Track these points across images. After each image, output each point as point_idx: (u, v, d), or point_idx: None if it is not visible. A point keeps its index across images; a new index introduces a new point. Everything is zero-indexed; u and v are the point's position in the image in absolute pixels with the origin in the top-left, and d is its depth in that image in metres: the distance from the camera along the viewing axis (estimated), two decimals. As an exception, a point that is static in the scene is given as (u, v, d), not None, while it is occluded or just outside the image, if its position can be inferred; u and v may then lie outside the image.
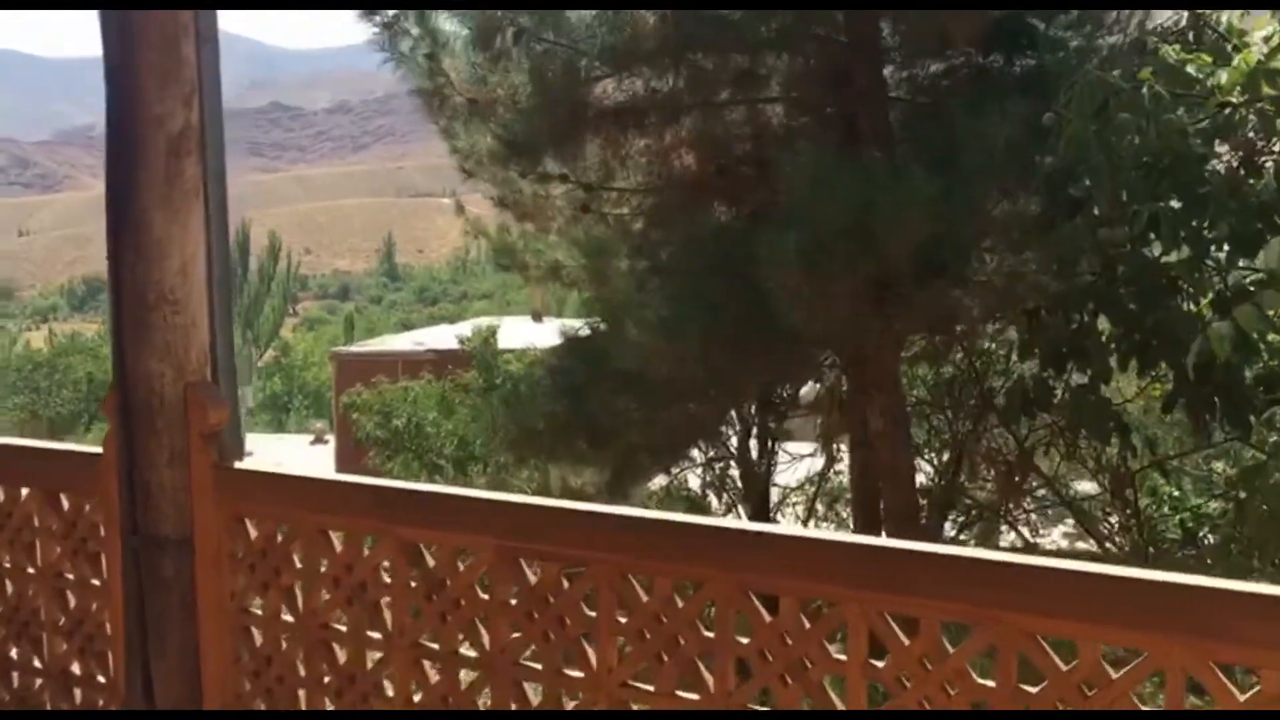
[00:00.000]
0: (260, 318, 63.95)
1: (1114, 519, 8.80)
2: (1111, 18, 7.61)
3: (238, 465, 2.79)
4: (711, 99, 7.32)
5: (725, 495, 13.24)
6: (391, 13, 6.90)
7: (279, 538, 2.74)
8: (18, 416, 48.98)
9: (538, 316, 19.29)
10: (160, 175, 2.68)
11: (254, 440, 24.94)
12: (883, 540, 2.57)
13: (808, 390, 11.02)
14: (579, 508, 2.48)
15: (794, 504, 13.17)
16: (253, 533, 2.77)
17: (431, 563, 2.55)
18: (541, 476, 9.42)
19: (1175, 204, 5.03)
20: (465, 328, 16.58)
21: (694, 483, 12.85)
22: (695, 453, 10.83)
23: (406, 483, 2.72)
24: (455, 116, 7.37)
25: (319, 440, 21.32)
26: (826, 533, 7.47)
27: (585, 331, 7.03)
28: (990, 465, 8.57)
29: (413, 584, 2.55)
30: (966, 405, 11.13)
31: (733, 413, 11.49)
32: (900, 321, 5.93)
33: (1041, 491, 10.50)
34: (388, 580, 2.58)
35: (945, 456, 11.86)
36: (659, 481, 12.19)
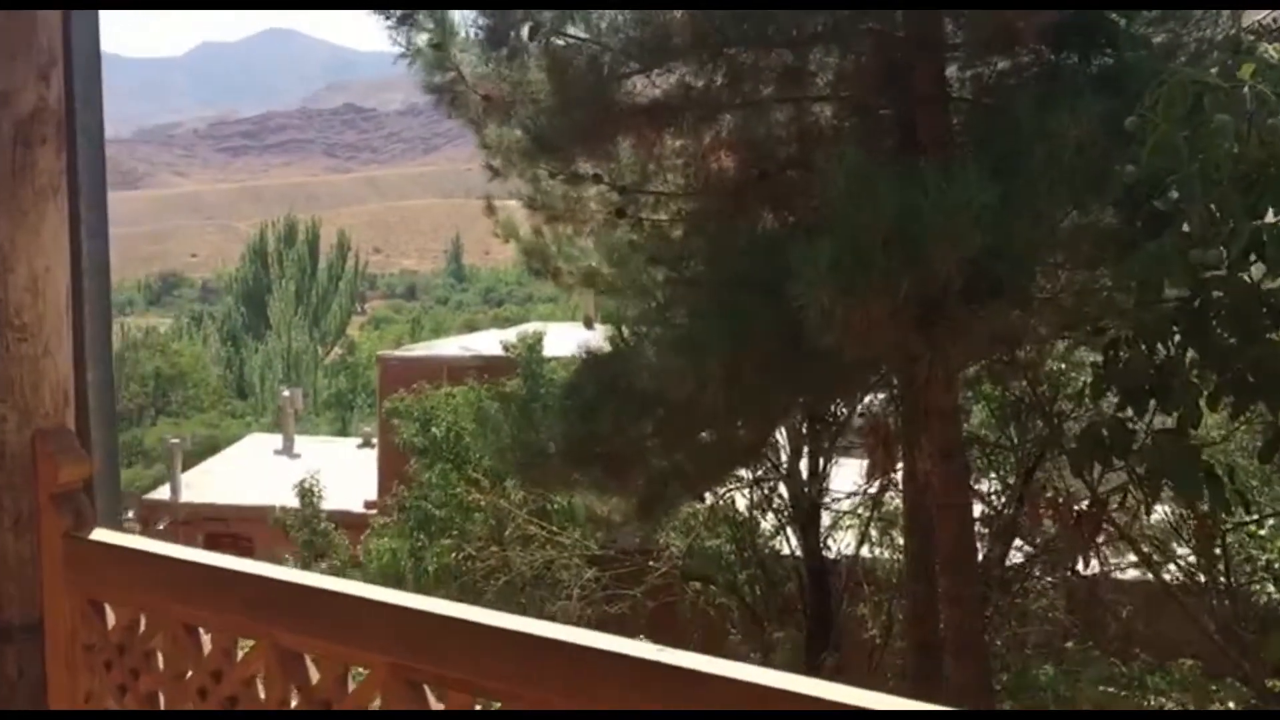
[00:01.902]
0: (327, 316, 64.54)
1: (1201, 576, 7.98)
2: (1199, 13, 6.88)
3: (97, 535, 2.25)
4: (752, 97, 6.70)
5: (773, 515, 12.63)
6: (407, 9, 6.41)
7: (142, 628, 2.19)
8: (86, 410, 49.88)
9: (589, 323, 18.70)
10: (5, 168, 2.15)
11: (303, 442, 24.76)
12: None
13: (865, 406, 10.36)
14: (508, 625, 1.83)
15: (848, 527, 12.51)
16: (110, 620, 2.23)
17: (315, 677, 1.99)
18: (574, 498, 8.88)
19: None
20: (514, 333, 16.09)
21: (741, 503, 12.27)
22: (741, 469, 10.20)
23: (294, 572, 2.11)
24: (470, 113, 6.84)
25: (367, 444, 20.99)
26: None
27: (605, 346, 6.45)
28: (1054, 511, 7.82)
29: (293, 703, 1.99)
30: (1031, 432, 10.40)
31: (781, 430, 10.88)
32: (951, 345, 5.26)
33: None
34: (262, 695, 2.02)
35: (1010, 480, 11.15)
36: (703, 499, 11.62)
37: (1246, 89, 4.25)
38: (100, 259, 2.41)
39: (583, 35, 6.17)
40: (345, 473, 19.59)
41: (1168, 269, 4.52)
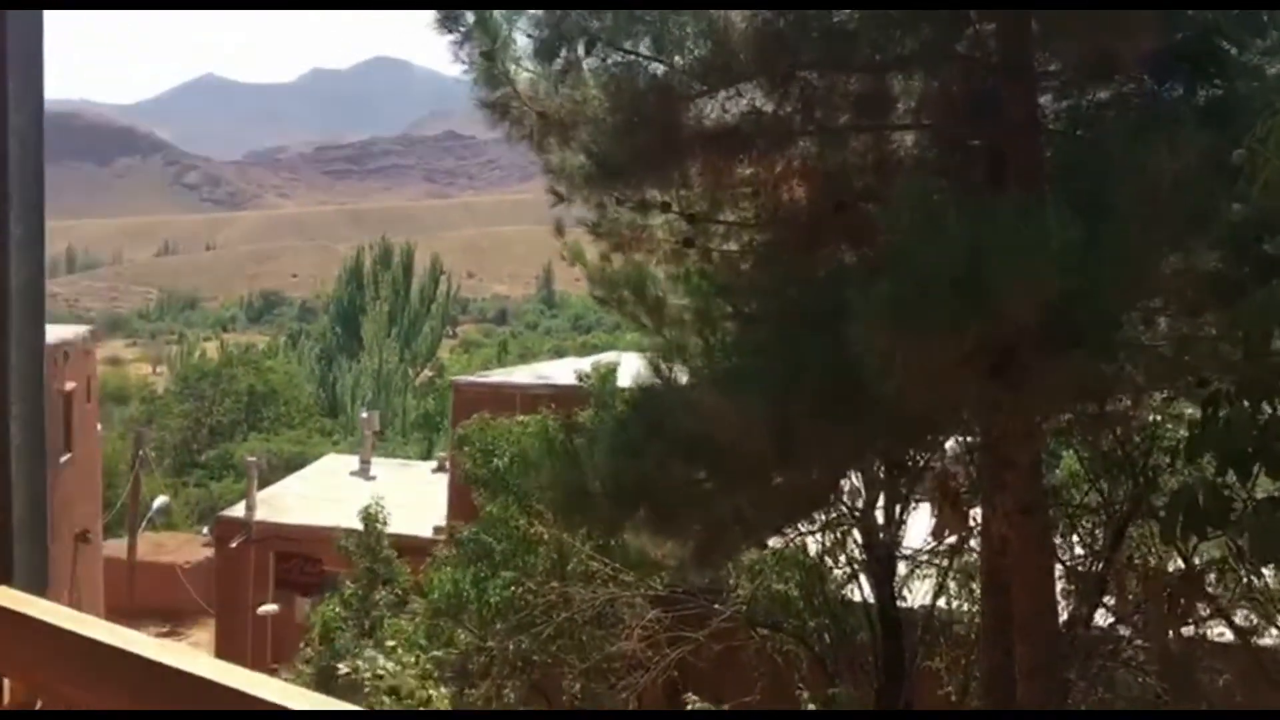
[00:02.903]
0: (418, 338, 65.33)
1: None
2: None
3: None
4: (828, 124, 6.31)
5: (846, 561, 12.09)
6: (471, 20, 6.13)
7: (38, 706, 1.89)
8: (184, 423, 51.05)
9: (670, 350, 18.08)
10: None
11: (380, 464, 24.80)
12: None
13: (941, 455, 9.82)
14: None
15: (924, 576, 11.93)
16: (5, 697, 1.92)
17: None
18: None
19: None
20: (590, 362, 15.81)
21: (812, 547, 11.77)
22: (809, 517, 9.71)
23: (193, 660, 1.76)
24: (526, 132, 6.55)
25: (442, 468, 20.89)
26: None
27: (655, 381, 6.07)
28: (1143, 583, 7.21)
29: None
30: (1121, 489, 9.76)
31: (855, 473, 10.38)
32: (1027, 396, 4.77)
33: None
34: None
35: (1097, 539, 10.50)
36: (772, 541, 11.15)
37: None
38: (31, 278, 2.13)
39: (643, 51, 5.84)
40: (419, 496, 19.49)
41: (1277, 318, 4.01)
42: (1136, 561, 9.70)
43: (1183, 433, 8.99)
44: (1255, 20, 6.23)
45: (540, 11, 6.03)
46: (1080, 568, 10.34)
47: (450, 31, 6.12)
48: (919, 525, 11.53)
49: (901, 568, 11.69)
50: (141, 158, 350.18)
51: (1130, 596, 8.71)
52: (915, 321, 4.13)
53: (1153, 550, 9.59)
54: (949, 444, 8.76)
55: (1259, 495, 4.54)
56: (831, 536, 11.57)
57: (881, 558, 11.55)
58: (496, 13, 6.04)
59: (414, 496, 18.89)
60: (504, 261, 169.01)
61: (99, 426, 22.31)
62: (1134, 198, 4.40)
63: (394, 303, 65.20)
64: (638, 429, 5.61)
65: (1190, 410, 8.74)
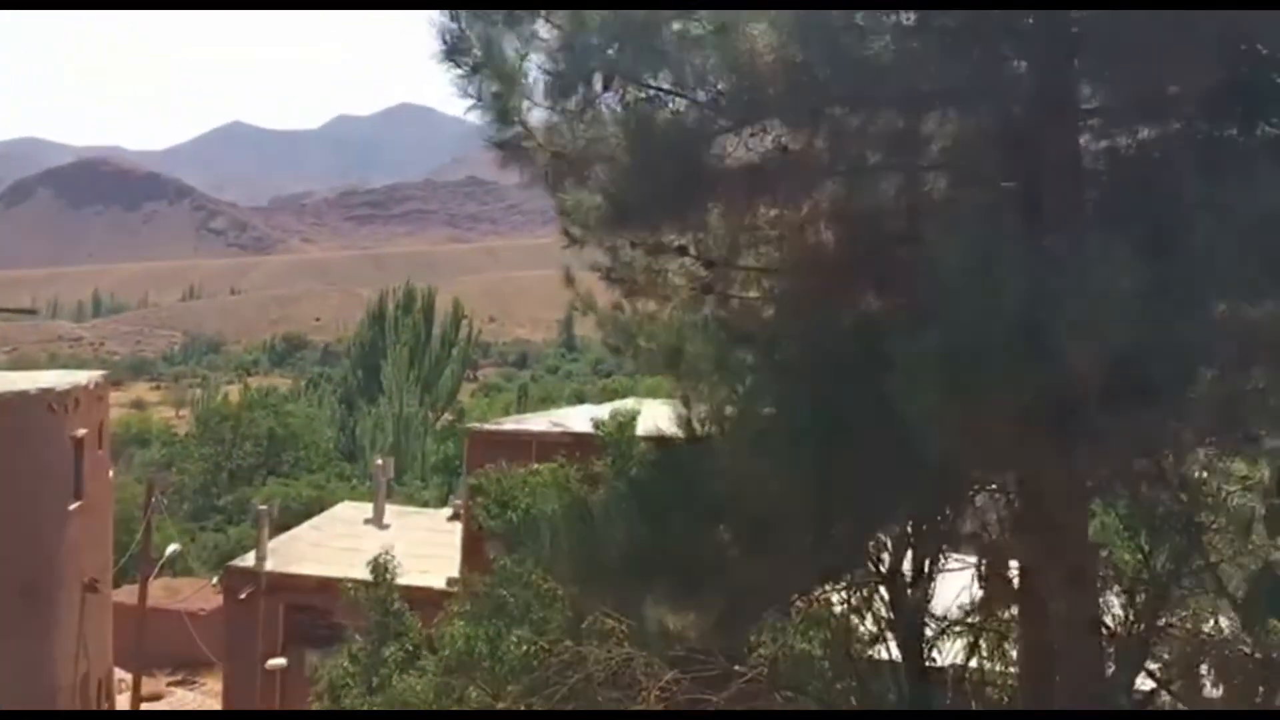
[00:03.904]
0: (439, 382, 65.15)
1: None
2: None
3: None
4: (858, 163, 5.94)
5: (872, 620, 11.60)
6: (478, 55, 5.80)
7: None
8: (203, 467, 50.87)
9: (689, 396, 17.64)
10: None
11: (394, 512, 24.38)
12: None
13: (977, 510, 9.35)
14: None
15: (956, 635, 11.41)
16: None
17: None
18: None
19: None
20: (608, 410, 15.39)
21: (837, 604, 11.28)
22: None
23: None
24: (541, 174, 6.20)
25: (457, 516, 20.48)
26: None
27: (676, 439, 5.66)
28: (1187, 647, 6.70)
29: None
30: (1164, 548, 9.25)
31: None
32: (1088, 457, 4.35)
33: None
34: None
35: (1139, 597, 9.99)
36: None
37: None
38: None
39: (665, 86, 5.50)
40: (433, 546, 19.07)
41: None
42: (1178, 625, 9.21)
43: (1233, 493, 8.55)
44: (1314, 54, 5.85)
45: (556, 45, 5.70)
46: (1121, 629, 9.84)
47: (456, 66, 5.80)
48: (949, 582, 11.05)
49: (931, 625, 11.20)
50: (169, 203, 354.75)
51: (1171, 660, 8.21)
52: (968, 376, 3.73)
53: (1195, 612, 9.11)
54: (985, 503, 8.32)
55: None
56: (858, 594, 11.10)
57: (910, 616, 11.06)
58: (507, 46, 5.72)
59: (428, 546, 18.48)
60: (525, 305, 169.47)
61: (111, 472, 22.00)
62: (1207, 240, 4.00)
63: (415, 346, 65.32)
64: (659, 495, 5.19)
65: (1237, 465, 8.30)
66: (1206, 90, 5.69)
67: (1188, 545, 8.70)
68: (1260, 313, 4.35)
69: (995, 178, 6.08)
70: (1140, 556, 9.76)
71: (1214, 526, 8.77)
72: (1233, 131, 5.89)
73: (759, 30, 5.23)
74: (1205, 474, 8.68)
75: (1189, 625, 9.16)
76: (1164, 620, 9.27)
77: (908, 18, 6.03)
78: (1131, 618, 9.88)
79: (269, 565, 19.74)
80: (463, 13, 5.74)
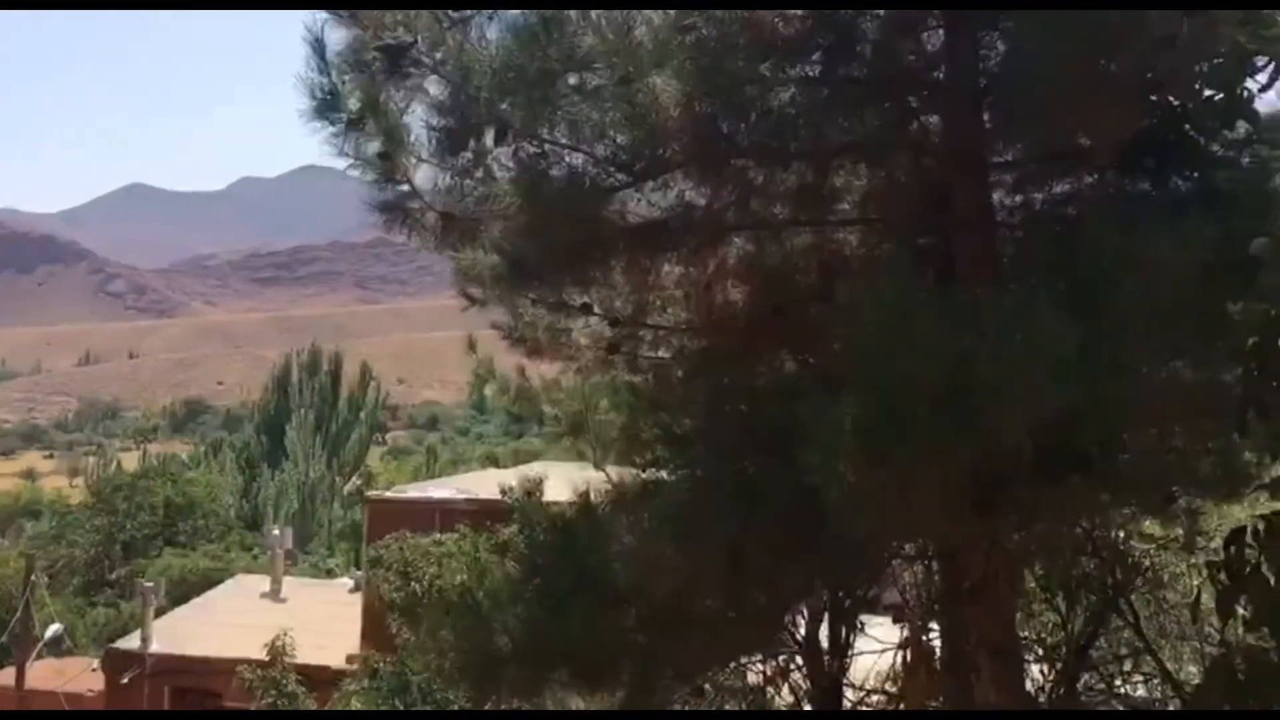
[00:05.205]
0: (346, 446, 63.63)
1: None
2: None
3: None
4: (765, 219, 5.67)
5: (789, 690, 11.26)
6: (354, 110, 5.41)
7: None
8: (95, 539, 48.71)
9: (598, 464, 17.31)
10: None
11: (292, 585, 23.38)
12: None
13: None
14: None
15: (875, 705, 11.10)
16: None
17: None
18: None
19: None
20: (515, 475, 14.93)
21: (751, 676, 10.91)
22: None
23: None
24: (429, 236, 5.82)
25: (359, 588, 19.68)
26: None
27: (579, 520, 5.27)
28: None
29: None
30: (1080, 609, 9.13)
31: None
32: (1017, 530, 4.06)
33: None
34: None
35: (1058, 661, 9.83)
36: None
37: None
38: None
39: (561, 140, 5.16)
40: (333, 620, 18.23)
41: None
42: (1098, 685, 9.10)
43: (1152, 554, 8.44)
44: (1223, 108, 5.76)
45: (443, 98, 5.34)
46: (1041, 694, 9.66)
47: (329, 123, 5.40)
48: (866, 645, 10.78)
49: (849, 695, 10.89)
50: (65, 266, 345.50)
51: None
52: (889, 448, 3.40)
53: (1117, 669, 9.05)
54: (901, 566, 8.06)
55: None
56: (773, 665, 10.75)
57: (828, 686, 10.74)
58: (389, 100, 5.34)
59: (328, 620, 17.65)
60: (435, 367, 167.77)
61: (-13, 549, 20.73)
62: (1138, 295, 3.76)
63: (321, 410, 63.84)
64: (559, 580, 4.78)
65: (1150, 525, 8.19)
66: (1118, 143, 5.55)
67: (1104, 606, 8.57)
68: (1192, 375, 4.13)
69: (910, 233, 5.85)
70: (1058, 617, 9.62)
71: (1134, 589, 8.67)
72: (1145, 185, 5.77)
73: (661, 81, 4.94)
74: (1121, 534, 8.60)
75: (1103, 685, 9.08)
76: (1082, 682, 9.15)
77: (812, 70, 5.82)
78: (1051, 680, 9.72)
79: (155, 646, 18.65)
80: (334, 65, 5.36)
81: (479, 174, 5.39)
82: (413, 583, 11.90)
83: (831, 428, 3.43)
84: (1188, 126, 5.64)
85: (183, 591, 28.21)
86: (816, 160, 5.62)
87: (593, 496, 5.42)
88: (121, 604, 40.61)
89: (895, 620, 7.12)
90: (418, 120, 5.39)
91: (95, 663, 25.40)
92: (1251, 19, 5.39)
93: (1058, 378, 3.42)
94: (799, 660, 10.80)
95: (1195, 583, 6.15)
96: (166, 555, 44.20)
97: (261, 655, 14.24)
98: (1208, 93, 5.71)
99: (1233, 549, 3.78)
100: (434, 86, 5.55)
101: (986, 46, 5.65)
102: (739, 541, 4.10)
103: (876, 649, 10.27)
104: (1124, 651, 9.23)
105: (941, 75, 5.81)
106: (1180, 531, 7.73)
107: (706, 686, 10.11)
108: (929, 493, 3.55)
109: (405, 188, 5.58)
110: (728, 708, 10.82)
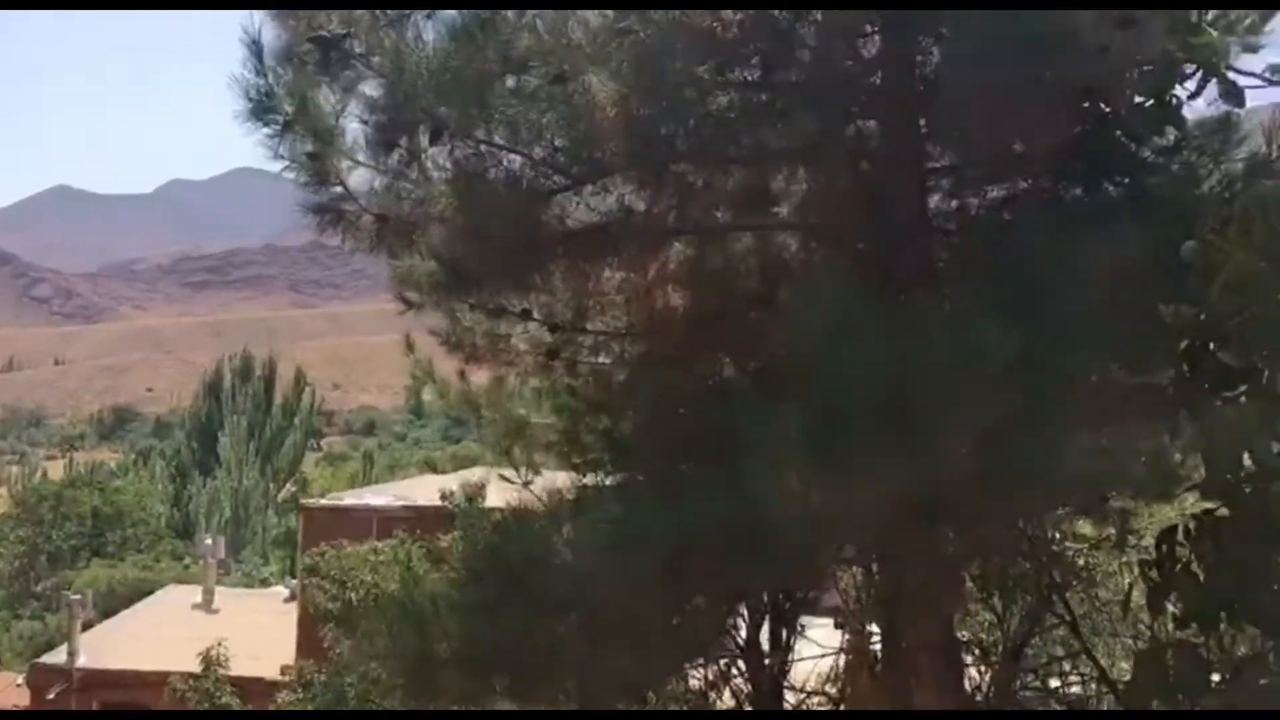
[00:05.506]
0: (281, 452, 62.72)
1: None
2: (1220, 143, 5.98)
3: None
4: (705, 223, 5.66)
5: (730, 694, 11.29)
6: (290, 112, 5.29)
7: None
8: (19, 550, 47.49)
9: (537, 470, 17.20)
10: None
11: (224, 595, 22.96)
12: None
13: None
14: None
15: (816, 706, 11.16)
16: None
17: None
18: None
19: None
20: (456, 480, 14.78)
21: (693, 680, 10.90)
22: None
23: None
24: (365, 239, 5.72)
25: (294, 598, 19.38)
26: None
27: (516, 525, 5.22)
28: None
29: None
30: (1015, 608, 9.25)
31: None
32: (959, 539, 4.08)
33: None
34: None
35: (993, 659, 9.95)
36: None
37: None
38: None
39: (498, 141, 5.10)
40: (268, 630, 17.94)
41: (1249, 439, 3.37)
42: (1034, 683, 9.23)
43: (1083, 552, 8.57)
44: (1154, 115, 5.86)
45: (376, 95, 5.25)
46: (978, 691, 9.78)
47: (264, 125, 5.28)
48: (808, 648, 10.84)
49: (790, 697, 10.94)
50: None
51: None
52: (834, 458, 3.38)
53: (1056, 669, 9.21)
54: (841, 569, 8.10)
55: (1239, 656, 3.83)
56: (714, 669, 10.76)
57: (768, 688, 10.78)
58: (323, 98, 5.23)
59: (262, 631, 17.35)
60: (371, 371, 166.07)
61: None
62: (1074, 301, 3.79)
63: (254, 416, 62.86)
64: (497, 587, 4.72)
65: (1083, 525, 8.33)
66: (1052, 149, 5.62)
67: (1039, 605, 8.69)
68: (1127, 379, 4.18)
69: (849, 238, 5.87)
70: (994, 616, 9.75)
71: (1071, 591, 8.81)
72: (1078, 190, 5.84)
73: (597, 81, 4.90)
74: (1055, 534, 8.73)
75: (1040, 684, 9.21)
76: (1019, 682, 9.27)
77: (751, 74, 5.82)
78: (989, 679, 9.83)
79: (82, 660, 18.20)
80: (270, 68, 5.25)
81: (414, 175, 5.31)
82: (349, 591, 11.72)
83: (778, 437, 3.41)
84: (1119, 133, 5.74)
85: (112, 603, 27.60)
86: (756, 165, 5.62)
87: (532, 502, 5.36)
88: (48, 617, 39.62)
89: (836, 625, 7.15)
90: (353, 123, 5.30)
91: (20, 678, 24.75)
92: (1180, 27, 5.49)
93: (997, 386, 3.43)
94: (740, 664, 10.84)
95: (1127, 581, 6.24)
96: (94, 566, 43.29)
97: (194, 667, 13.95)
98: (1138, 100, 5.83)
99: (1164, 548, 3.85)
100: (369, 86, 5.46)
101: (923, 52, 5.69)
102: (678, 546, 4.07)
103: (817, 652, 10.33)
104: (1059, 651, 9.39)
105: (879, 80, 5.84)
106: (1113, 531, 7.85)
107: (648, 694, 10.10)
108: (871, 500, 3.54)
109: (339, 189, 5.47)
110: (672, 708, 10.82)
